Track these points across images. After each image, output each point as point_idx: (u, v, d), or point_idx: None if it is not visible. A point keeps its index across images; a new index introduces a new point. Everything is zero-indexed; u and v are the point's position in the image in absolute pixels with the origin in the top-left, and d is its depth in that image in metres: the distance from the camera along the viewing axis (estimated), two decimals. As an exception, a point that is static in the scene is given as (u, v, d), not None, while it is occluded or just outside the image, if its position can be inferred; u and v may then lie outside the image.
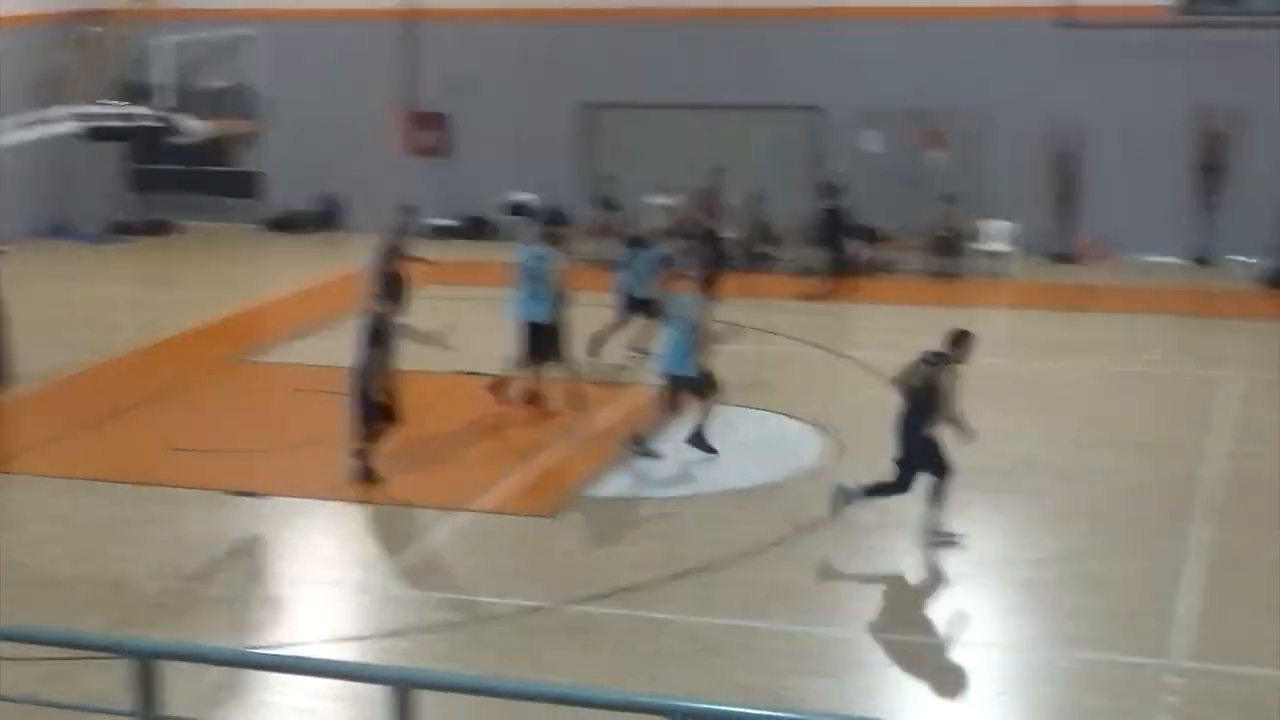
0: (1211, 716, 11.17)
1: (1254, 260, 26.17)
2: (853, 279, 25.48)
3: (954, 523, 14.31)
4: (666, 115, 29.07)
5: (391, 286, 19.12)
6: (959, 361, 14.06)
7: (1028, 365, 20.62)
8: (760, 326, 21.32)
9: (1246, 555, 14.04)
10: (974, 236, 27.03)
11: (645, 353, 19.60)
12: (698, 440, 16.60)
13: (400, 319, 16.64)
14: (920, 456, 14.11)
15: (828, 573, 13.85)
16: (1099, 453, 16.93)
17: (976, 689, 11.78)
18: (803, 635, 12.52)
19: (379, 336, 15.71)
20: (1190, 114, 26.75)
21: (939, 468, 14.14)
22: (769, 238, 27.51)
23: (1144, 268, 26.82)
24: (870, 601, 13.32)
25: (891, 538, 14.41)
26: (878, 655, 12.34)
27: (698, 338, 16.51)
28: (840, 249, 25.74)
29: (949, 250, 26.72)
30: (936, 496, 14.22)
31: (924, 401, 13.98)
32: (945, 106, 27.79)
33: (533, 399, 18.47)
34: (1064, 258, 27.47)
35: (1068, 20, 27.16)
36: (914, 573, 13.92)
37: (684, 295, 17.13)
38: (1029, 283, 26.07)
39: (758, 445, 17.32)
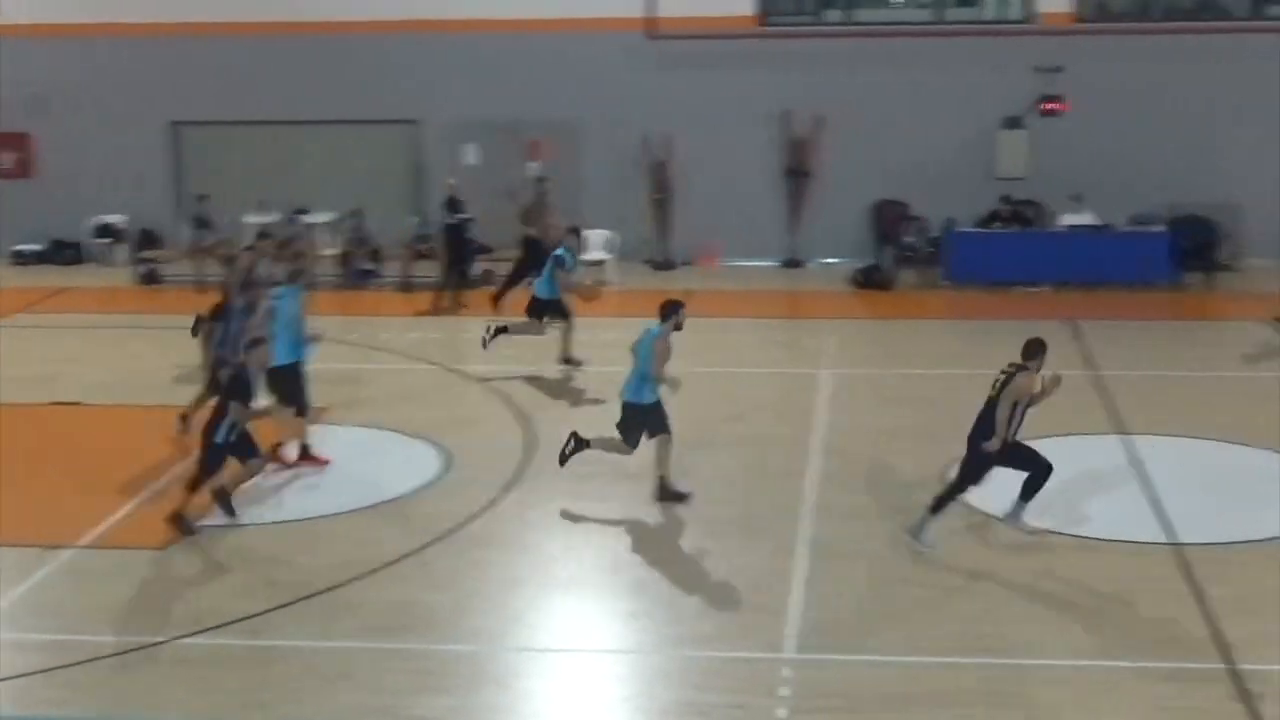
0: (821, 706, 11.55)
1: (842, 261, 27.26)
2: (470, 293, 25.39)
3: (570, 529, 14.45)
4: (261, 131, 28.55)
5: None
6: (1034, 370, 14.33)
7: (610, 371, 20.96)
8: (366, 344, 21.14)
9: (848, 548, 14.59)
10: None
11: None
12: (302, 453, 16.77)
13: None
14: (1016, 459, 14.42)
15: (449, 587, 13.80)
16: (706, 453, 17.33)
17: (600, 695, 11.91)
18: (427, 653, 12.44)
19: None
20: (776, 121, 27.74)
21: (1037, 466, 14.47)
22: (370, 253, 27.29)
23: (741, 272, 27.64)
24: (494, 614, 13.31)
25: (507, 550, 14.46)
26: (503, 668, 12.35)
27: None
28: (464, 264, 25.66)
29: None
30: (1027, 493, 14.59)
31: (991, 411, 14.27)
32: (542, 118, 28.11)
33: (303, 452, 17.03)
34: (662, 265, 28.08)
35: (655, 32, 27.81)
36: (534, 582, 13.98)
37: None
38: (629, 290, 26.52)
39: (369, 463, 17.14)
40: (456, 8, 27.87)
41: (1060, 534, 14.74)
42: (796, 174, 28.07)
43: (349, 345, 21.65)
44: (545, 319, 21.03)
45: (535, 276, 21.74)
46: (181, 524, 14.90)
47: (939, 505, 14.53)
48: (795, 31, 28.07)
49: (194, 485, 15.02)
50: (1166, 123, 26.91)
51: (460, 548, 14.70)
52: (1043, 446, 14.72)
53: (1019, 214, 26.88)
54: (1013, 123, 27.34)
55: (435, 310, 24.63)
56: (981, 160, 27.33)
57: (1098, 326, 23.08)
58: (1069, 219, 26.40)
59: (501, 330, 21.06)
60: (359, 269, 27.00)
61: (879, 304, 25.38)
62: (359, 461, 17.19)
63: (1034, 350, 14.38)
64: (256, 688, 11.83)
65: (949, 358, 21.33)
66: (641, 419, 15.70)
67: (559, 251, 21.06)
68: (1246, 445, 17.46)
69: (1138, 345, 22.32)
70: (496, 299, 23.99)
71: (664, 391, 15.72)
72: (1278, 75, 26.69)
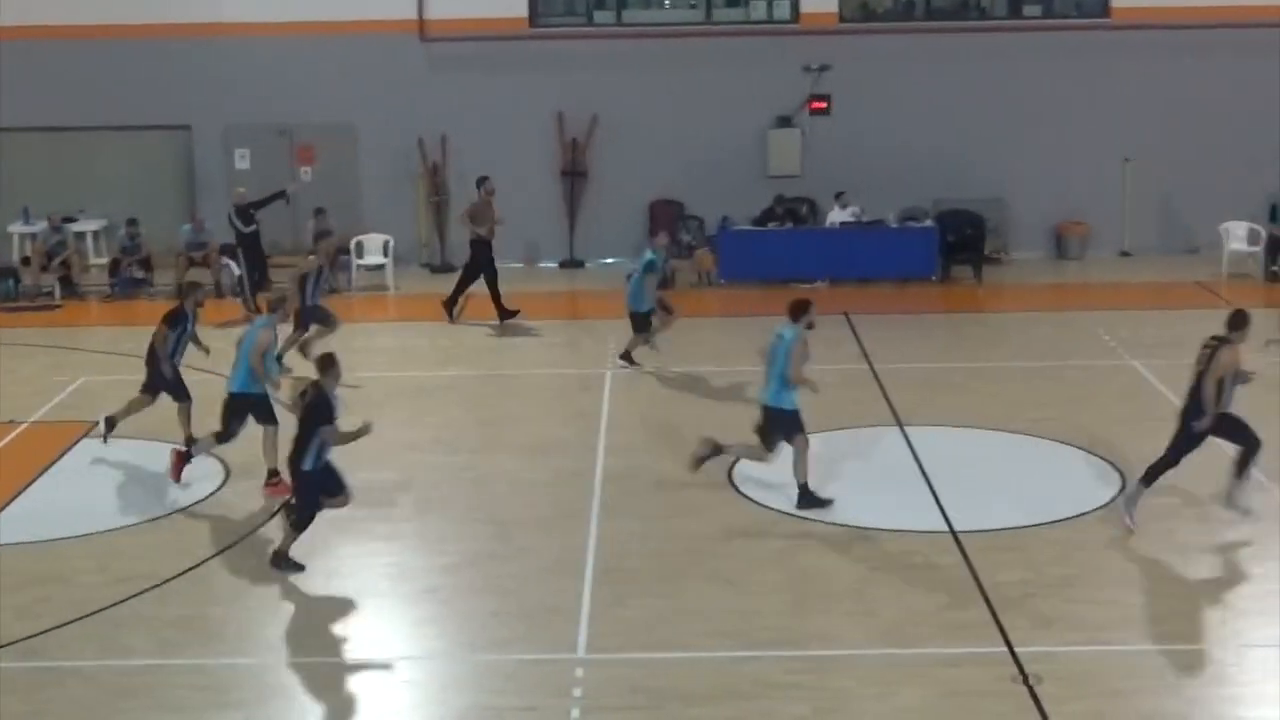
0: (616, 704, 11.62)
1: (620, 261, 27.38)
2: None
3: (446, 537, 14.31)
4: (28, 138, 27.71)
5: None
6: (1237, 341, 14.34)
7: (417, 376, 20.85)
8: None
9: (637, 544, 14.69)
10: (350, 251, 27.10)
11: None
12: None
13: None
14: (1226, 431, 14.51)
15: (234, 600, 13.57)
16: (496, 457, 17.30)
17: (392, 703, 11.82)
18: (212, 667, 12.22)
19: None
20: (551, 123, 27.80)
21: (1247, 439, 14.54)
22: (142, 262, 26.64)
23: (520, 274, 27.59)
24: (281, 626, 13.13)
25: (304, 557, 14.26)
26: (291, 680, 12.18)
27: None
28: (261, 271, 25.15)
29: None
30: (1241, 470, 14.65)
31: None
32: (314, 121, 27.79)
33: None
34: (441, 268, 27.92)
35: (427, 34, 27.66)
36: (321, 592, 13.81)
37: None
38: (409, 295, 26.37)
39: (152, 476, 16.75)
40: (228, 11, 27.39)
41: (844, 525, 15.00)
42: (572, 175, 28.15)
43: (132, 357, 21.13)
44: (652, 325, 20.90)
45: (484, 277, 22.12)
46: (285, 563, 14.08)
47: (1150, 479, 14.74)
48: (567, 33, 28.15)
49: (298, 524, 14.08)
50: (932, 119, 27.55)
51: (244, 560, 14.46)
52: (824, 440, 14.94)
53: (792, 211, 27.31)
54: (783, 122, 27.77)
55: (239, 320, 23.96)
56: (754, 159, 27.71)
57: (871, 321, 23.53)
58: (838, 216, 26.89)
59: (628, 357, 20.98)
60: (130, 277, 26.37)
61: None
62: (141, 475, 16.80)
63: (1238, 322, 14.44)
64: (38, 711, 11.50)
65: (727, 354, 21.58)
66: (783, 424, 15.40)
67: (650, 256, 20.80)
68: (1022, 434, 17.96)
69: (911, 339, 22.80)
70: (450, 304, 23.82)
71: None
72: (1037, 72, 27.50)
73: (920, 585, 13.74)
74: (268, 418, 16.12)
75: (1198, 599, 13.58)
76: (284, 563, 14.09)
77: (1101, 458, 16.87)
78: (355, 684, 12.13)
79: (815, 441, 15.65)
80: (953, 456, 17.16)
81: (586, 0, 28.65)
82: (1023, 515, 15.22)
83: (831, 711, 11.49)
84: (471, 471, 16.82)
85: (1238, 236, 26.43)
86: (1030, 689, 11.73)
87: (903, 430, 18.03)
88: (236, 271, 25.63)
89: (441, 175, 28.13)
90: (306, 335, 20.53)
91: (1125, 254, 27.77)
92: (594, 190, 28.12)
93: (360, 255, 27.13)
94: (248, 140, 28.01)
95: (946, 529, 14.94)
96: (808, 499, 15.42)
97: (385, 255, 27.08)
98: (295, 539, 14.11)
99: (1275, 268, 25.87)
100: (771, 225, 27.05)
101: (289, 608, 13.49)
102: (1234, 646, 12.76)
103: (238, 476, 16.58)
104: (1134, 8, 27.38)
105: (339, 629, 13.16)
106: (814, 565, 14.16)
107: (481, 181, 24.38)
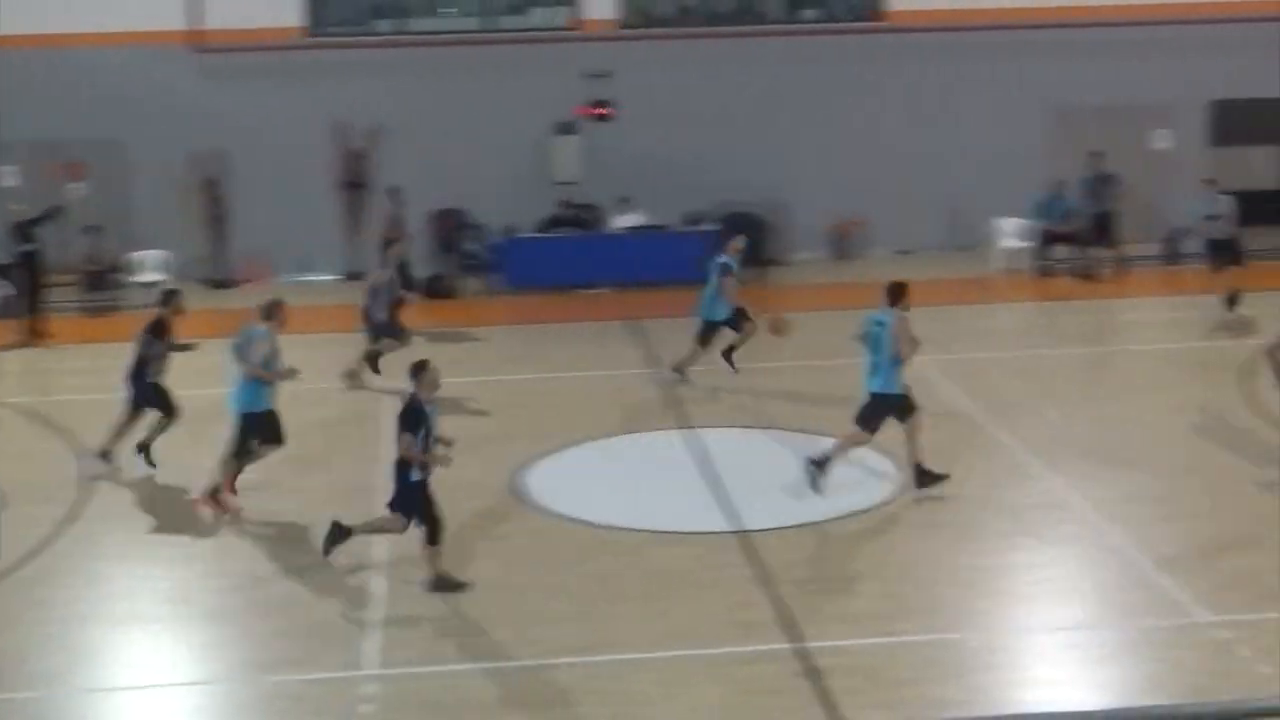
0: (401, 719, 11.50)
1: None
2: (46, 322, 24.13)
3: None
4: None
5: None
6: None
7: (211, 394, 20.39)
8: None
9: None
10: (126, 268, 26.48)
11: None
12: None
13: None
14: None
15: (9, 630, 13.12)
16: (277, 471, 16.99)
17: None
18: (22, 701, 11.81)
19: None
20: (330, 133, 27.46)
21: None
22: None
23: (301, 287, 27.17)
24: (60, 655, 12.71)
25: (70, 587, 13.84)
26: (72, 712, 11.87)
27: None
28: (37, 293, 24.33)
29: (101, 284, 26.06)
30: None
31: None
32: (85, 136, 27.08)
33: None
34: (221, 283, 27.38)
35: (201, 45, 27.14)
36: (101, 619, 13.43)
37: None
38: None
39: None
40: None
41: (634, 529, 15.03)
42: (353, 186, 27.84)
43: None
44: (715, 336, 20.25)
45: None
46: (447, 583, 13.62)
47: None
48: (345, 42, 27.84)
49: (433, 538, 13.66)
50: (714, 123, 27.78)
51: (19, 587, 14.01)
52: (610, 446, 14.94)
53: (577, 218, 27.34)
54: (566, 128, 27.79)
55: (15, 343, 23.28)
56: (538, 166, 27.68)
57: (658, 325, 23.63)
58: (621, 221, 26.99)
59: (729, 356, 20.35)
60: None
61: (444, 313, 25.35)
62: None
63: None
64: None
65: (513, 362, 21.49)
66: (895, 408, 15.66)
67: (724, 259, 20.23)
68: (807, 432, 18.18)
69: (696, 341, 22.93)
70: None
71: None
72: (814, 74, 27.89)
73: (711, 586, 13.81)
74: (275, 437, 15.81)
75: (978, 588, 13.86)
76: (446, 583, 13.64)
77: (883, 453, 17.13)
78: (138, 713, 11.84)
79: (602, 447, 15.68)
80: (741, 456, 17.31)
81: (365, 9, 28.40)
82: (809, 512, 15.39)
83: (629, 716, 11.50)
84: (253, 491, 16.48)
85: (1008, 232, 27.08)
86: (817, 683, 11.86)
87: (689, 432, 18.13)
88: (9, 291, 24.84)
89: (220, 188, 27.62)
90: (376, 348, 20.47)
91: (903, 252, 28.28)
92: (376, 201, 27.83)
93: (135, 272, 26.50)
94: (15, 157, 27.18)
95: (735, 529, 15.04)
96: (925, 477, 15.78)
97: (163, 272, 26.48)
98: (440, 552, 13.71)
99: (1045, 262, 26.58)
100: (556, 232, 27.05)
101: (66, 636, 13.08)
102: (1012, 632, 13.08)
103: (12, 504, 16.07)
104: (907, 10, 27.94)
105: (119, 656, 12.84)
106: (606, 570, 14.16)
107: (392, 193, 24.32)
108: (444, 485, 16.28)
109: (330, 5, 28.24)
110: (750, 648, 12.56)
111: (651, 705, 11.66)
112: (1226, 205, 23.61)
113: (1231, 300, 22.95)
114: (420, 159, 27.42)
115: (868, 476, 16.49)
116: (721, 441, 17.81)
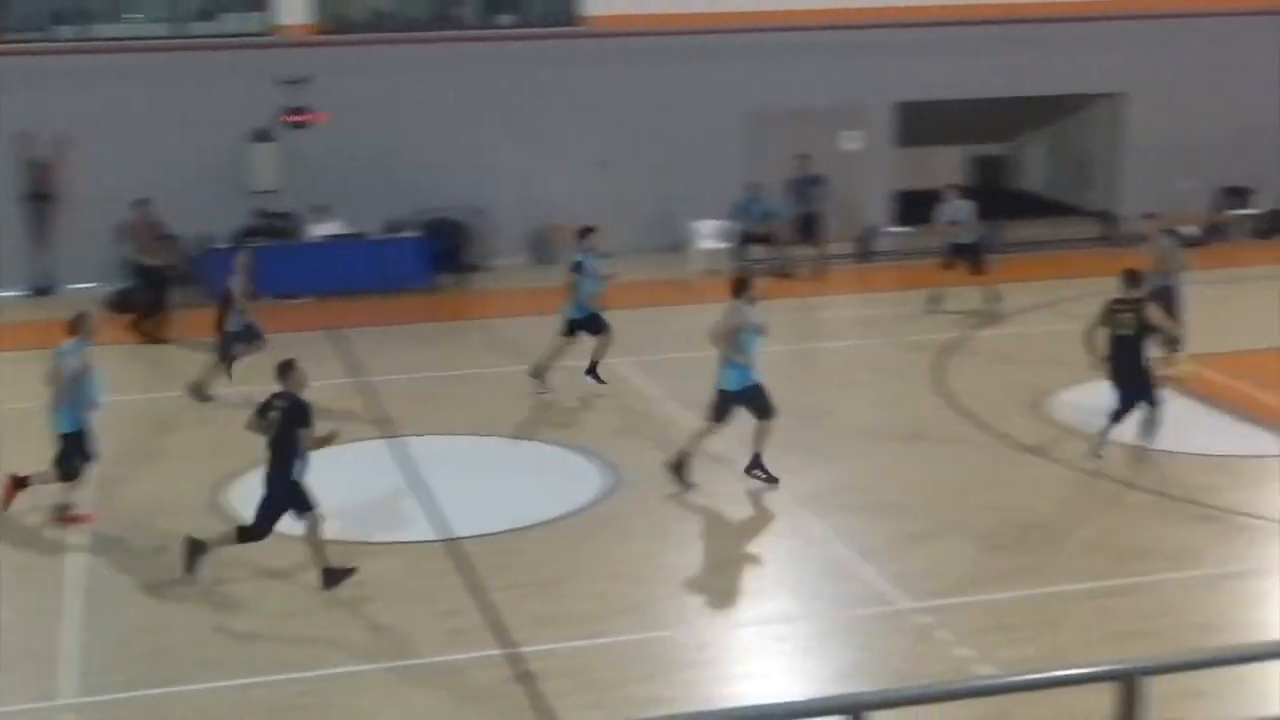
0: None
1: (96, 285, 26.22)
2: None
3: None
4: None
5: None
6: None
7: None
8: None
9: (127, 578, 14.09)
10: None
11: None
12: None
13: None
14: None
15: None
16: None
17: None
18: None
19: None
20: (14, 144, 26.43)
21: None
22: None
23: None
24: None
25: None
26: None
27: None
28: None
29: None
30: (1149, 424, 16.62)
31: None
32: None
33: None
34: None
35: None
36: None
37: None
38: None
39: None
40: None
41: (341, 540, 14.77)
42: (40, 198, 26.82)
43: None
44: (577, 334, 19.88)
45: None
46: (336, 575, 13.69)
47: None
48: (27, 49, 26.75)
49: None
50: (415, 129, 27.51)
51: None
52: (315, 456, 14.66)
53: (274, 227, 26.81)
54: (262, 135, 27.22)
55: None
56: (234, 174, 27.06)
57: (362, 334, 23.34)
58: (320, 229, 26.58)
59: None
60: None
61: (138, 327, 24.57)
62: None
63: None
64: None
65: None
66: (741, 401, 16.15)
67: (580, 258, 19.75)
68: (512, 437, 18.16)
69: (402, 349, 22.71)
70: (147, 328, 22.59)
71: None
72: (514, 79, 27.85)
73: (420, 595, 13.69)
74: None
75: (686, 585, 14.01)
76: (335, 576, 13.68)
77: (589, 456, 17.21)
78: None
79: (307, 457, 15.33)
80: (447, 464, 17.20)
81: (45, 14, 27.38)
82: (516, 517, 15.37)
83: (339, 730, 11.32)
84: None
85: (707, 234, 27.45)
86: (530, 687, 11.83)
87: (396, 441, 17.94)
88: None
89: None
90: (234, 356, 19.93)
91: (605, 256, 28.34)
92: (64, 213, 26.85)
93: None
94: None
95: (443, 537, 14.93)
96: (757, 466, 16.25)
97: None
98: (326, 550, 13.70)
99: (743, 262, 27.02)
100: (252, 242, 26.46)
101: None
102: (721, 628, 13.25)
103: None
104: (604, 16, 28.10)
105: None
106: (314, 582, 13.88)
107: (138, 204, 23.30)
108: (142, 501, 15.88)
109: (8, 10, 27.16)
110: (460, 655, 12.48)
111: (364, 718, 11.49)
112: (969, 210, 24.31)
113: (936, 299, 23.73)
114: (111, 169, 26.52)
115: (572, 479, 16.54)
116: (429, 448, 17.66)
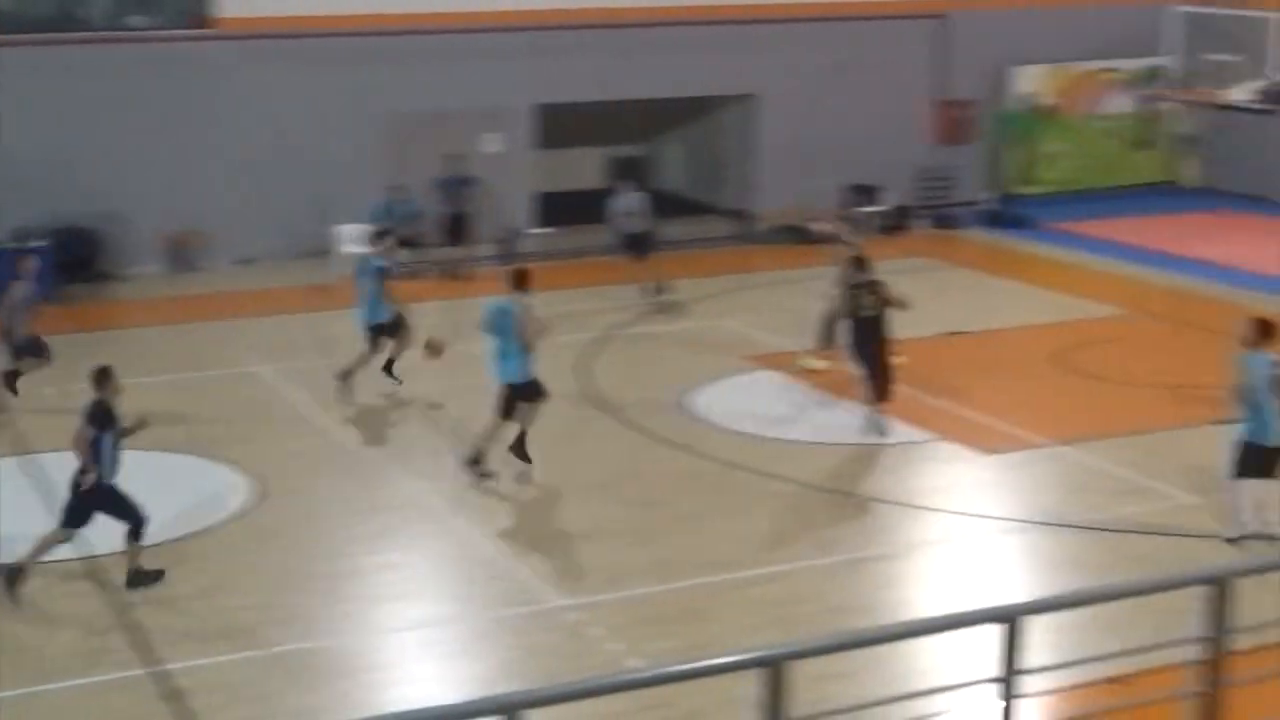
0: None
1: None
2: None
3: None
4: None
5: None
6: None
7: None
8: None
9: None
10: None
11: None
12: None
13: None
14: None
15: None
16: None
17: None
18: None
19: None
20: None
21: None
22: None
23: None
24: None
25: None
26: None
27: None
28: None
29: None
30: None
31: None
32: None
33: None
34: None
35: None
36: None
37: None
38: None
39: None
40: None
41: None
42: None
43: None
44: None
45: None
46: (145, 577, 13.63)
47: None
48: None
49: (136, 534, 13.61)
50: (43, 135, 26.37)
51: None
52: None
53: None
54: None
55: None
56: None
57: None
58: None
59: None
60: None
61: None
62: None
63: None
64: None
65: None
66: (525, 394, 16.03)
67: (379, 262, 19.10)
68: (144, 449, 17.66)
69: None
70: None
71: None
72: (146, 82, 27.04)
73: (59, 619, 13.21)
74: None
75: (339, 593, 13.88)
76: (143, 579, 13.61)
77: (232, 466, 16.88)
78: None
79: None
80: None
81: None
82: (159, 532, 14.90)
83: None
84: None
85: (349, 238, 27.14)
86: (177, 705, 11.54)
87: (26, 459, 17.24)
88: None
89: None
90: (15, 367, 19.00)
91: (245, 261, 27.87)
92: None
93: None
94: None
95: (83, 555, 14.40)
96: (521, 450, 16.28)
97: None
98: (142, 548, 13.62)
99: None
100: None
101: None
102: (374, 634, 13.17)
103: None
104: (236, 18, 27.53)
105: None
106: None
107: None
108: None
109: None
110: (100, 678, 12.08)
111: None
112: (641, 202, 24.76)
113: (659, 289, 24.37)
114: None
115: (215, 490, 16.20)
116: (61, 464, 17.00)
